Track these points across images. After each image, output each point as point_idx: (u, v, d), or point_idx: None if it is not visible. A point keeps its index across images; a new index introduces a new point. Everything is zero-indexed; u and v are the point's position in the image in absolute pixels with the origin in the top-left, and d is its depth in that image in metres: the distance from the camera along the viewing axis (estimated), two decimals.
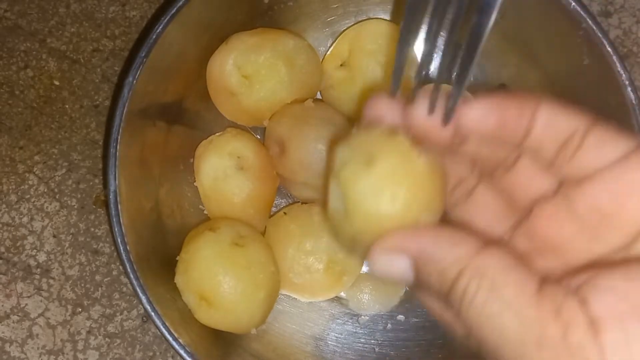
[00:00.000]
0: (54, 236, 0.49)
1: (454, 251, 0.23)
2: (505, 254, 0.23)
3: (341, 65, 0.47)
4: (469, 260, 0.23)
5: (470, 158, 0.28)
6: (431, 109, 0.26)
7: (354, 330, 0.47)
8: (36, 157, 0.50)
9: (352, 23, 0.48)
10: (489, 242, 0.23)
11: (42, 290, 0.48)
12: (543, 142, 0.25)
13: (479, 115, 0.25)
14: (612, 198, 0.24)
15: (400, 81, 0.27)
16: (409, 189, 0.25)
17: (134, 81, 0.40)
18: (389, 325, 0.47)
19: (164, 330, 0.39)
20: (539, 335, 0.21)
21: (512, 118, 0.25)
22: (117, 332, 0.48)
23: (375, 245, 0.25)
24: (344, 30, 0.48)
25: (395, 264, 0.25)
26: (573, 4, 0.39)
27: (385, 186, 0.25)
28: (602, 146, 0.24)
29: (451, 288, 0.23)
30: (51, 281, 0.48)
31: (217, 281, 0.41)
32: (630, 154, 0.24)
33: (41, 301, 0.48)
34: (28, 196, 0.49)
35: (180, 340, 0.39)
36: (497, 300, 0.22)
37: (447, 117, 0.26)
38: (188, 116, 0.46)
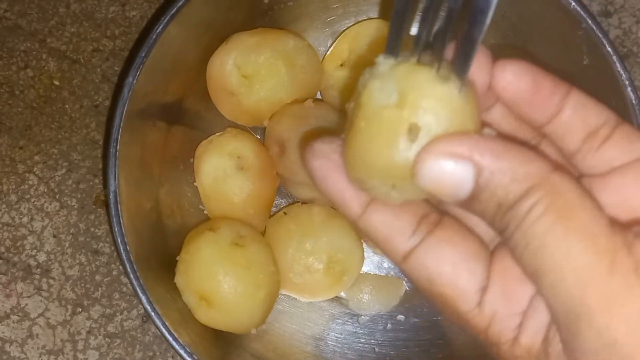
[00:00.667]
0: (54, 236, 0.49)
1: (527, 166, 0.21)
2: (580, 182, 0.22)
3: (341, 65, 0.47)
4: (543, 178, 0.21)
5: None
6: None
7: (354, 330, 0.47)
8: (36, 157, 0.50)
9: (352, 23, 0.48)
10: (563, 167, 0.22)
11: (42, 290, 0.48)
12: (570, 128, 0.25)
13: (514, 74, 0.24)
14: None
15: (399, 46, 0.24)
16: (474, 95, 0.23)
17: (134, 81, 0.40)
18: (389, 325, 0.47)
19: (164, 330, 0.39)
20: (611, 263, 0.20)
21: (546, 88, 0.24)
22: (117, 332, 0.48)
23: (431, 147, 0.21)
24: (344, 30, 0.48)
25: (454, 172, 0.21)
26: (573, 4, 0.39)
27: (453, 81, 0.22)
28: (632, 141, 0.24)
29: (514, 204, 0.21)
30: (51, 281, 0.48)
31: (217, 281, 0.41)
32: None
33: (41, 301, 0.48)
34: (28, 196, 0.49)
35: (180, 340, 0.39)
36: (567, 222, 0.20)
37: None
38: (188, 116, 0.46)
